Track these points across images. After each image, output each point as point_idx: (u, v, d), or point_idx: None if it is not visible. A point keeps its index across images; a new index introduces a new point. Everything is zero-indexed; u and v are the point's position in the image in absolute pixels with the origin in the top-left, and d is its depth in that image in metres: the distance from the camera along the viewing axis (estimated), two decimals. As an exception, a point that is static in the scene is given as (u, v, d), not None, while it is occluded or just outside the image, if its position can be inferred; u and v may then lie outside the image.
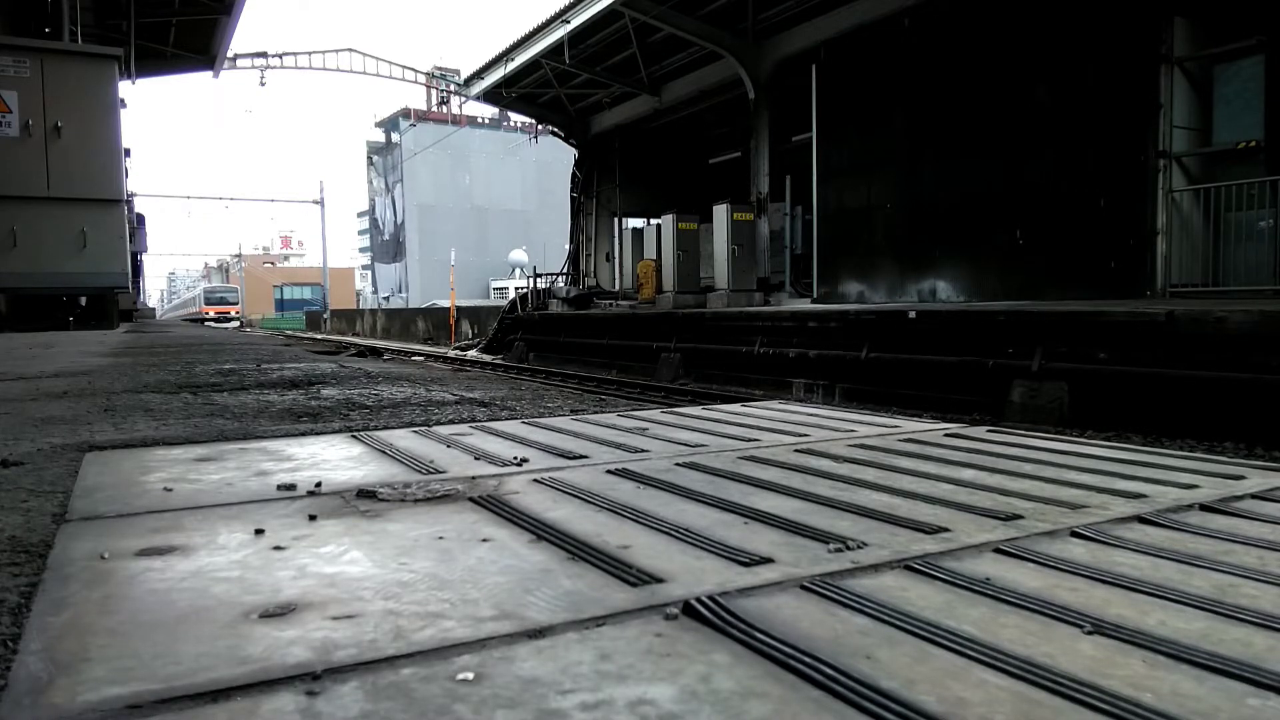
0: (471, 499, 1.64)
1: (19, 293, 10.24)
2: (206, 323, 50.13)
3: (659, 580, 1.14)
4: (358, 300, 66.74)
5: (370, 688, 0.82)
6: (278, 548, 1.32)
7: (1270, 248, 8.96)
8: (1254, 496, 1.65)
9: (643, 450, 2.18)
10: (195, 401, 3.33)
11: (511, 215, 57.21)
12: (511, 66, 19.44)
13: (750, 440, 2.35)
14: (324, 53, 26.89)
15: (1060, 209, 10.72)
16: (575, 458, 2.08)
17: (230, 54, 21.59)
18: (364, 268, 72.54)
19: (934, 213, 12.58)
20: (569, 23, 16.68)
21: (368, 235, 65.86)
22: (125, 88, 13.86)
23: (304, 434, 2.50)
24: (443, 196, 55.23)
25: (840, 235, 14.34)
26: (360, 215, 73.24)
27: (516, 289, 29.40)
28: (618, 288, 21.69)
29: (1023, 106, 11.21)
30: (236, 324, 53.43)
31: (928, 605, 1.05)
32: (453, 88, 28.83)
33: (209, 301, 57.57)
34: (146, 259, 26.52)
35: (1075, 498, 1.64)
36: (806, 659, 0.88)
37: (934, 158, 12.56)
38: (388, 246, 58.71)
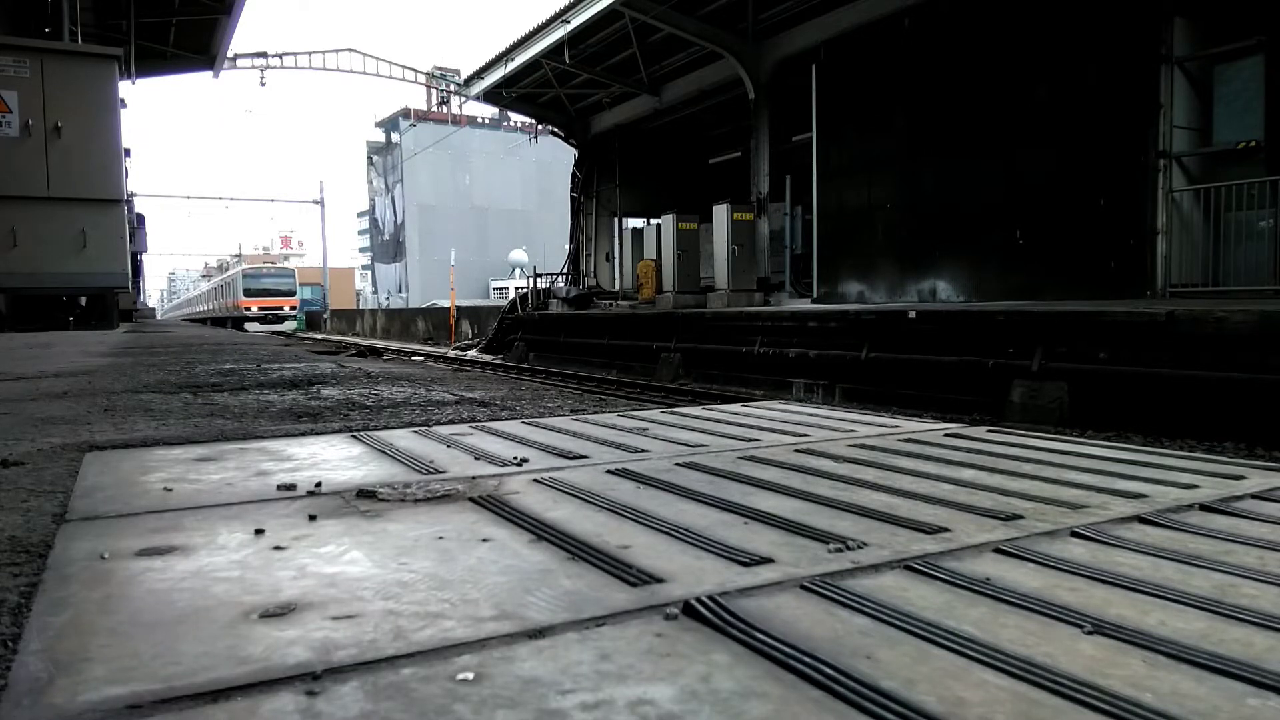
0: (471, 499, 1.64)
1: (19, 293, 10.25)
2: (246, 324, 35.03)
3: (659, 580, 1.14)
4: (358, 300, 66.58)
5: (370, 688, 0.82)
6: (278, 548, 1.32)
7: (1270, 248, 8.95)
8: (1254, 496, 1.65)
9: (643, 450, 2.18)
10: (195, 401, 3.33)
11: (511, 215, 57.22)
12: (511, 66, 19.44)
13: (750, 440, 2.35)
14: (324, 53, 26.87)
15: (1060, 209, 10.72)
16: (575, 458, 2.08)
17: (230, 54, 21.57)
18: (364, 268, 72.49)
19: (934, 213, 12.58)
20: (569, 23, 16.68)
21: (368, 235, 65.86)
22: (125, 88, 13.87)
23: (304, 434, 2.50)
24: (443, 196, 55.23)
25: (840, 235, 14.34)
26: (360, 215, 73.27)
27: (516, 289, 29.09)
28: (618, 288, 21.68)
29: (1023, 106, 11.21)
30: (293, 325, 37.68)
31: (928, 605, 1.05)
32: (453, 88, 28.81)
33: (251, 291, 37.95)
34: (146, 259, 26.09)
35: (1075, 498, 1.64)
36: (806, 659, 0.88)
37: (934, 157, 12.56)
38: (388, 246, 58.70)
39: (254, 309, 37.28)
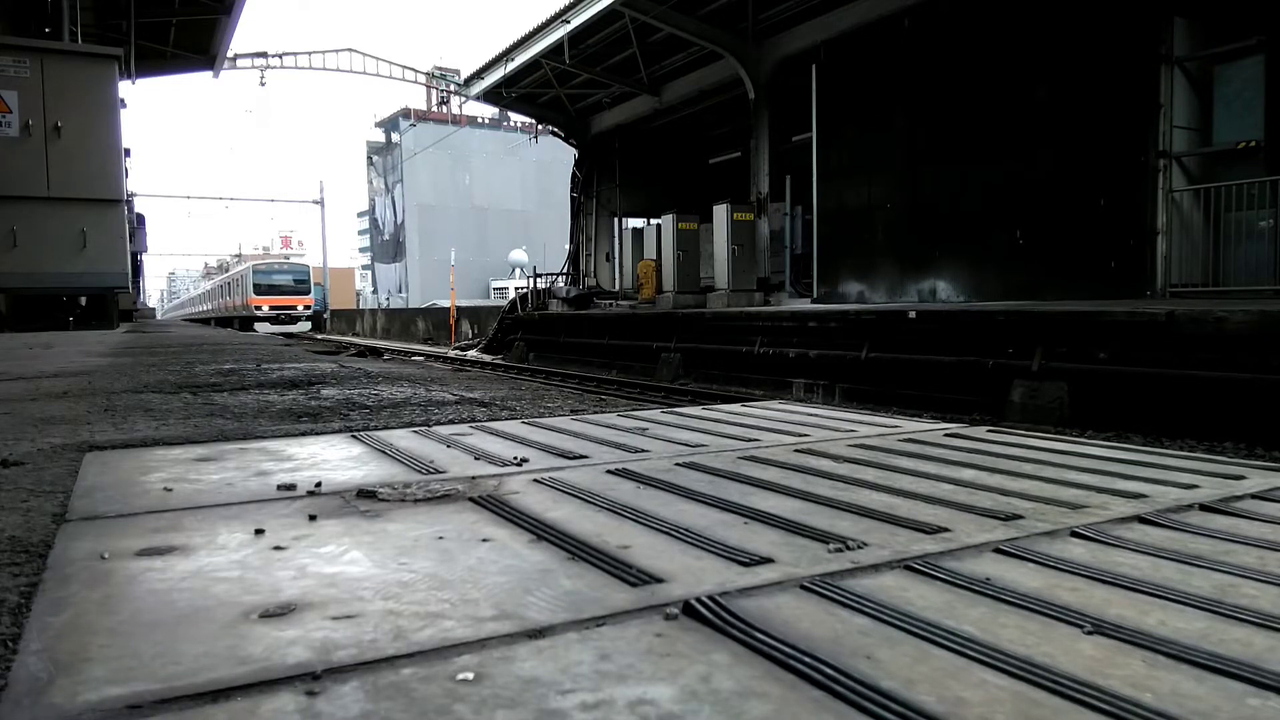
0: (471, 499, 1.64)
1: (19, 293, 10.25)
2: (256, 325, 32.10)
3: (659, 580, 1.14)
4: (358, 300, 66.48)
5: (370, 688, 0.82)
6: (278, 548, 1.32)
7: (1270, 248, 8.95)
8: (1254, 496, 1.65)
9: (643, 450, 2.18)
10: (195, 401, 3.32)
11: (511, 215, 57.22)
12: (511, 66, 19.44)
13: (750, 440, 2.35)
14: (324, 53, 26.86)
15: (1060, 209, 10.72)
16: (575, 458, 2.08)
17: (230, 54, 21.56)
18: (364, 268, 72.43)
19: (934, 213, 12.58)
20: (569, 23, 16.68)
21: (368, 235, 65.86)
22: (125, 88, 13.86)
23: (304, 434, 2.50)
24: (443, 196, 55.23)
25: (840, 235, 14.34)
26: (360, 215, 73.25)
27: (516, 289, 28.82)
28: (618, 288, 21.69)
29: (1023, 106, 11.21)
30: (306, 327, 34.46)
31: (928, 605, 1.05)
32: (453, 88, 28.81)
33: (262, 288, 34.18)
34: (146, 259, 25.78)
35: (1075, 498, 1.64)
36: (806, 659, 0.88)
37: (934, 158, 12.56)
38: (388, 246, 58.71)
39: (265, 308, 33.84)
